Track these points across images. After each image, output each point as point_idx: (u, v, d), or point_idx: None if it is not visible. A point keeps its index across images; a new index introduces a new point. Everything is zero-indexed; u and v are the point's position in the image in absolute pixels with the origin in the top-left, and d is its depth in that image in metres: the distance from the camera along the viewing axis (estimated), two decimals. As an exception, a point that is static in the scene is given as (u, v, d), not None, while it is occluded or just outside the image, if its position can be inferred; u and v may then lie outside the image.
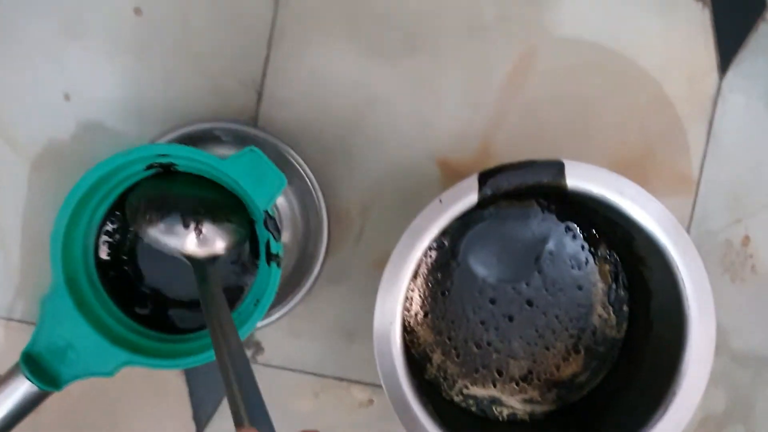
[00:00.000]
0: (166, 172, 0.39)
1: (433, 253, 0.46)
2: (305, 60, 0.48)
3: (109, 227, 0.40)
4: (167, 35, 0.47)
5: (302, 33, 0.48)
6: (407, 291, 0.39)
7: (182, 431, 0.48)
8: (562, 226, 0.47)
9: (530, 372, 0.47)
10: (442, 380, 0.47)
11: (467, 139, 0.48)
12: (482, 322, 0.48)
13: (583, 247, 0.47)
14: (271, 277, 0.36)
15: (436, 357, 0.47)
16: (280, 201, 0.47)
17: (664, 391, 0.39)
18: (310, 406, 0.49)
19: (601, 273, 0.47)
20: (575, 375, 0.47)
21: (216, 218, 0.38)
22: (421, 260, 0.39)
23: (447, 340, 0.47)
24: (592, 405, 0.46)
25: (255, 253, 0.41)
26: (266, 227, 0.36)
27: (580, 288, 0.47)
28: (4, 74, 0.47)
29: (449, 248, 0.46)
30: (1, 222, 0.48)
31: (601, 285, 0.47)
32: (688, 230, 0.48)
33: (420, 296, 0.47)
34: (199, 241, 0.38)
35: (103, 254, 0.40)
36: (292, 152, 0.44)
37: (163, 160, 0.38)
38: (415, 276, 0.45)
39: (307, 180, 0.44)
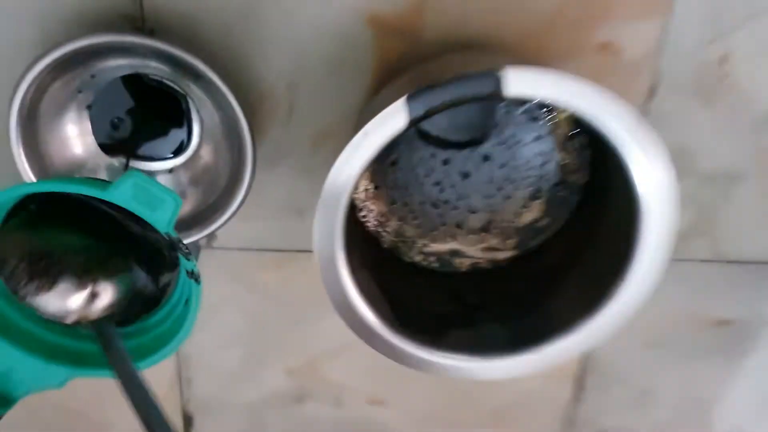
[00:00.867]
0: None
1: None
2: None
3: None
4: None
5: None
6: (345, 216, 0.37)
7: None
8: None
9: (490, 222, 0.46)
10: (400, 244, 0.47)
11: (398, -12, 0.40)
12: (437, 183, 0.45)
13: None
14: (193, 292, 0.34)
15: (392, 224, 0.46)
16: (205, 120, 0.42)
17: (616, 272, 0.39)
18: (274, 277, 0.49)
19: (561, 119, 0.43)
20: (536, 220, 0.46)
21: (109, 270, 0.34)
22: (351, 192, 0.36)
23: (402, 207, 0.46)
24: (553, 255, 0.46)
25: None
26: (174, 248, 0.32)
27: (539, 137, 0.44)
28: None
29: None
30: None
31: (560, 131, 0.44)
32: (659, 55, 0.43)
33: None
34: (94, 302, 0.34)
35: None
36: (188, 58, 0.37)
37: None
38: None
39: (212, 78, 0.38)
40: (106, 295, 0.35)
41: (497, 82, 0.33)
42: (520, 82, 0.33)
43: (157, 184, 0.31)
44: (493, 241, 0.47)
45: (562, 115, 0.43)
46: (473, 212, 0.46)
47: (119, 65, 0.40)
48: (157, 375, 0.54)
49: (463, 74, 0.33)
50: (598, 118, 0.34)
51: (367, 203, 0.45)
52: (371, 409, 0.56)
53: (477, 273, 0.47)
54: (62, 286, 0.34)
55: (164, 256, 0.38)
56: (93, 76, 0.40)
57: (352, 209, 0.43)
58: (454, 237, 0.47)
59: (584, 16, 0.41)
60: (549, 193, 0.45)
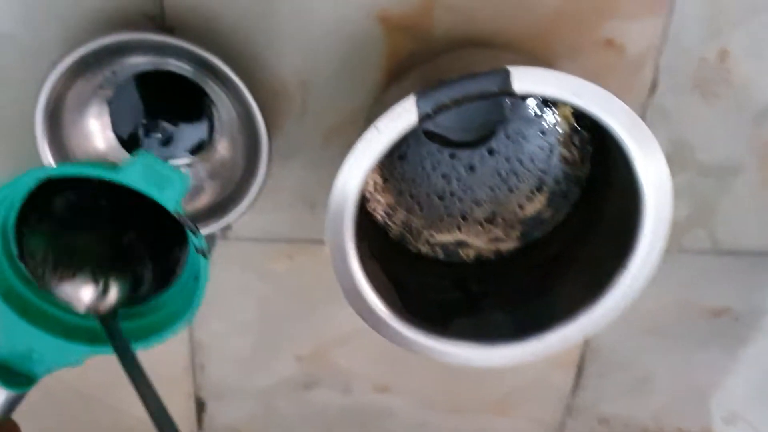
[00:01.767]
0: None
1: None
2: None
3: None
4: None
5: None
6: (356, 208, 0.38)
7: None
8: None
9: (494, 213, 0.48)
10: (407, 234, 0.48)
11: (408, -13, 0.41)
12: (443, 176, 0.47)
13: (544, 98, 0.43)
14: (201, 268, 0.35)
15: (399, 215, 0.48)
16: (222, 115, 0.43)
17: (616, 261, 0.40)
18: (285, 267, 0.51)
19: (564, 116, 0.45)
20: (539, 212, 0.48)
21: (119, 268, 0.36)
22: (362, 185, 0.37)
23: (409, 198, 0.47)
24: (555, 245, 0.47)
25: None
26: (183, 225, 0.34)
27: (543, 132, 0.45)
28: None
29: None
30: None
31: (564, 126, 0.45)
32: (660, 52, 0.44)
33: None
34: (104, 297, 0.35)
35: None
36: (206, 55, 0.38)
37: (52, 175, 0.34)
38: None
39: (229, 74, 0.39)
40: (115, 291, 0.36)
41: (505, 80, 0.34)
42: (527, 80, 0.34)
43: (165, 163, 0.33)
44: (498, 232, 0.48)
45: (565, 111, 0.45)
46: (478, 204, 0.48)
47: (140, 62, 0.41)
48: (170, 360, 0.56)
49: (471, 72, 0.34)
50: (599, 115, 0.36)
51: (376, 195, 0.47)
52: (378, 396, 0.58)
53: (481, 263, 0.49)
54: (80, 278, 0.36)
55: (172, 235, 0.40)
56: (114, 73, 0.41)
57: (362, 201, 0.44)
58: (459, 228, 0.48)
59: (588, 14, 0.42)
60: (552, 186, 0.47)
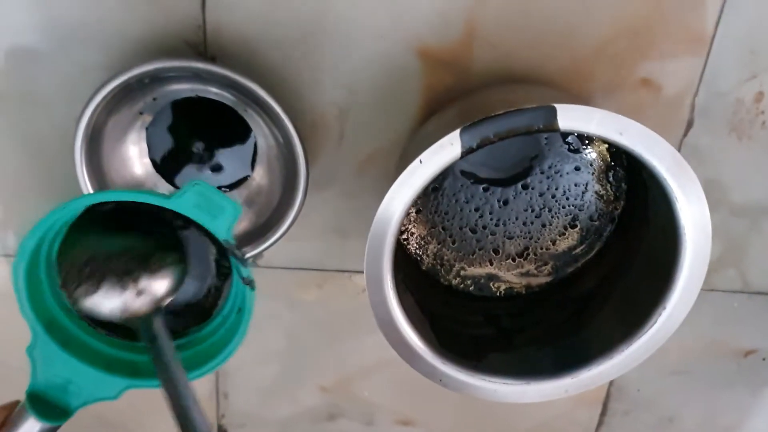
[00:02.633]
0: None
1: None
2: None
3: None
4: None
5: None
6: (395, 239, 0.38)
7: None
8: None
9: (526, 248, 0.48)
10: (439, 267, 0.48)
11: (449, 22, 0.42)
12: (476, 209, 0.47)
13: (581, 135, 0.44)
14: (246, 299, 0.35)
15: (432, 247, 0.47)
16: (260, 143, 0.44)
17: (653, 300, 0.40)
18: (314, 296, 0.50)
19: (600, 153, 0.45)
20: (571, 248, 0.48)
21: (151, 267, 0.36)
22: (403, 216, 0.37)
23: (441, 230, 0.47)
24: (588, 281, 0.47)
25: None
26: (231, 255, 0.34)
27: (577, 169, 0.45)
28: None
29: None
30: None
31: (599, 164, 0.45)
32: (696, 92, 0.44)
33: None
34: (139, 299, 0.36)
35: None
36: (248, 83, 0.39)
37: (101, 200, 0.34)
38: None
39: (271, 104, 0.39)
40: (152, 290, 0.36)
41: (550, 116, 0.34)
42: (572, 117, 0.34)
43: (219, 192, 0.33)
44: (529, 267, 0.48)
45: (601, 148, 0.45)
46: (510, 238, 0.48)
47: (181, 89, 0.41)
48: (194, 387, 0.55)
49: (517, 107, 0.34)
50: (643, 155, 0.36)
51: (409, 226, 0.47)
52: (401, 429, 0.57)
53: (512, 297, 0.49)
54: (106, 288, 0.36)
55: (212, 267, 0.40)
56: (155, 99, 0.42)
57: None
58: (491, 262, 0.48)
59: (626, 53, 0.43)
60: (585, 222, 0.47)
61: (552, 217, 0.47)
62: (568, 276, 0.48)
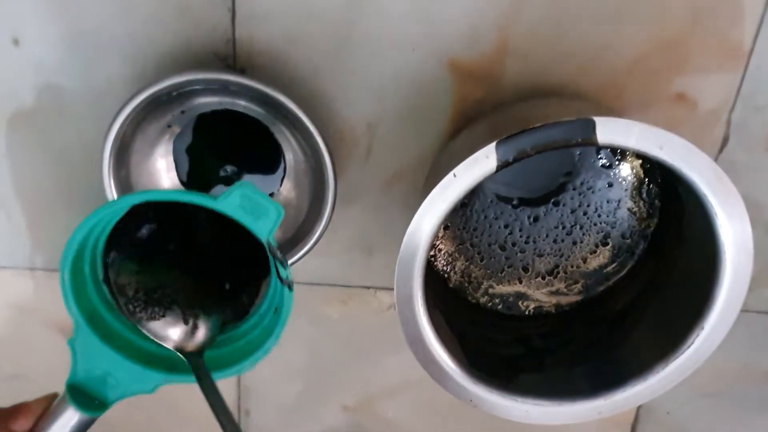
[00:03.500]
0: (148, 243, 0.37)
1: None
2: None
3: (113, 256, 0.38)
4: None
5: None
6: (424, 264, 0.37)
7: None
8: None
9: (556, 266, 0.47)
10: (466, 285, 0.47)
11: (481, 35, 0.41)
12: (506, 226, 0.46)
13: (614, 150, 0.43)
14: (284, 300, 0.35)
15: (459, 264, 0.47)
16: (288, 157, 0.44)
17: (690, 320, 0.39)
18: (339, 312, 0.50)
19: (634, 169, 0.44)
20: (602, 266, 0.47)
21: (208, 308, 0.37)
22: (435, 231, 0.36)
23: (470, 247, 0.46)
24: (620, 300, 0.46)
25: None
26: (272, 255, 0.34)
27: (610, 185, 0.44)
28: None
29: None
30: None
31: (632, 180, 0.44)
32: (732, 108, 0.43)
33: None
34: (193, 336, 0.36)
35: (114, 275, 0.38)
36: (278, 96, 0.38)
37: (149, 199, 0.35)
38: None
39: (301, 117, 0.39)
40: (204, 329, 0.37)
41: (589, 130, 0.33)
42: (611, 131, 0.34)
43: (264, 195, 0.33)
44: (559, 285, 0.47)
45: (635, 164, 0.44)
46: (540, 256, 0.47)
47: (210, 102, 0.41)
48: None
49: (555, 119, 0.34)
50: (683, 170, 0.35)
51: (437, 243, 0.46)
52: (424, 449, 0.56)
53: (541, 316, 0.48)
54: (170, 317, 0.37)
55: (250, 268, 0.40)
56: (183, 112, 0.41)
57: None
58: (519, 280, 0.47)
59: (661, 68, 0.42)
60: (618, 239, 0.46)
61: (583, 234, 0.46)
62: (599, 295, 0.47)
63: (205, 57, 0.42)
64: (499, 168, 0.35)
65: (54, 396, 0.37)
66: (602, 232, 0.46)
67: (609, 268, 0.47)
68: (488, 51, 0.42)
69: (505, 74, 0.42)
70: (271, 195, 0.45)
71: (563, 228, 0.46)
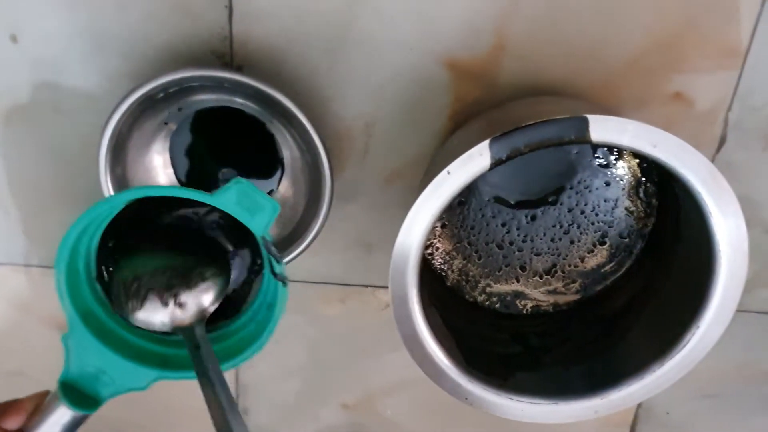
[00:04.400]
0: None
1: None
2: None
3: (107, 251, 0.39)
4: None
5: None
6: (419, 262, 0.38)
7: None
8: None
9: (554, 265, 0.47)
10: (464, 283, 0.47)
11: (478, 34, 0.41)
12: (503, 224, 0.46)
13: (611, 149, 0.43)
14: (278, 295, 0.35)
15: (457, 263, 0.47)
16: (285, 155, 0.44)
17: (686, 319, 0.39)
18: (337, 311, 0.50)
19: (630, 168, 0.44)
20: (600, 266, 0.47)
21: (191, 282, 0.37)
22: (430, 229, 0.36)
23: (467, 245, 0.46)
24: (617, 300, 0.46)
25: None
26: (266, 251, 0.34)
27: (607, 184, 0.44)
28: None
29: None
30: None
31: (629, 179, 0.44)
32: (730, 107, 0.43)
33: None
34: (182, 311, 0.37)
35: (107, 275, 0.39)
36: (275, 94, 0.38)
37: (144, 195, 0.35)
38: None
39: (298, 115, 0.39)
40: (193, 303, 0.38)
41: (582, 128, 0.33)
42: (605, 129, 0.34)
43: (259, 191, 0.34)
44: (557, 285, 0.47)
45: (632, 163, 0.44)
46: (538, 255, 0.47)
47: (206, 99, 0.41)
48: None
49: (548, 117, 0.34)
50: (678, 168, 0.35)
51: (434, 241, 0.46)
52: (422, 448, 0.56)
53: (539, 315, 0.48)
54: (149, 303, 0.37)
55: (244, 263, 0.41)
56: (180, 109, 0.41)
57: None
58: (517, 279, 0.47)
59: (658, 67, 0.42)
60: (615, 239, 0.46)
61: (581, 233, 0.46)
62: (596, 294, 0.47)
63: (203, 54, 0.42)
64: (493, 165, 0.35)
65: (46, 393, 0.37)
66: (600, 231, 0.46)
67: (607, 268, 0.47)
68: (485, 50, 0.42)
69: (502, 73, 0.42)
70: (269, 193, 0.45)
71: (561, 227, 0.46)
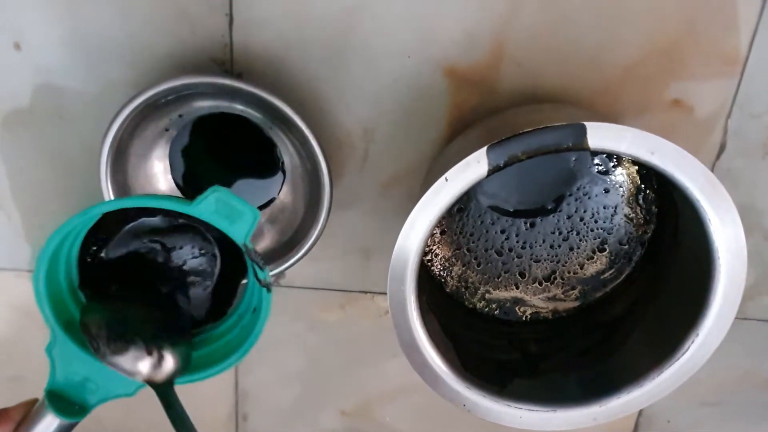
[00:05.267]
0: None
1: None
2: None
3: (88, 259, 0.38)
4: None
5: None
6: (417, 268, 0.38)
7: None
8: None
9: (554, 272, 0.47)
10: (463, 290, 0.47)
11: (477, 41, 0.41)
12: (502, 231, 0.46)
13: (610, 156, 0.43)
14: (263, 300, 0.35)
15: (456, 269, 0.47)
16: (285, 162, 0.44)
17: (686, 326, 0.39)
18: (337, 317, 0.50)
19: (630, 175, 0.44)
20: (599, 272, 0.47)
21: (171, 340, 0.37)
22: (428, 236, 0.37)
23: (466, 252, 0.46)
24: (616, 307, 0.46)
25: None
26: (249, 258, 0.34)
27: (607, 191, 0.44)
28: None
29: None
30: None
31: (629, 186, 0.44)
32: (729, 114, 0.43)
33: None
34: (159, 367, 0.36)
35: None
36: (275, 101, 0.38)
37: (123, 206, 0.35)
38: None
39: (297, 122, 0.39)
40: (170, 361, 0.37)
41: (580, 135, 0.33)
42: (602, 136, 0.34)
43: (238, 198, 0.33)
44: (556, 291, 0.47)
45: (631, 170, 0.44)
46: (537, 261, 0.47)
47: (207, 106, 0.41)
48: (214, 407, 0.54)
49: (546, 124, 0.34)
50: (676, 175, 0.35)
51: (434, 248, 0.46)
52: (422, 455, 0.56)
53: (538, 322, 0.48)
54: (133, 350, 0.36)
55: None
56: (181, 116, 0.42)
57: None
58: (516, 285, 0.47)
59: (657, 74, 0.42)
60: (614, 246, 0.46)
61: (580, 240, 0.46)
62: (596, 301, 0.47)
63: (203, 61, 0.42)
64: (491, 172, 0.35)
65: (34, 401, 0.37)
66: (599, 238, 0.46)
67: (606, 275, 0.47)
68: (483, 58, 0.42)
69: (500, 80, 0.42)
70: (272, 201, 0.45)
71: (560, 234, 0.46)
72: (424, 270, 0.46)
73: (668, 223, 0.43)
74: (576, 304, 0.47)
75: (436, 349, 0.39)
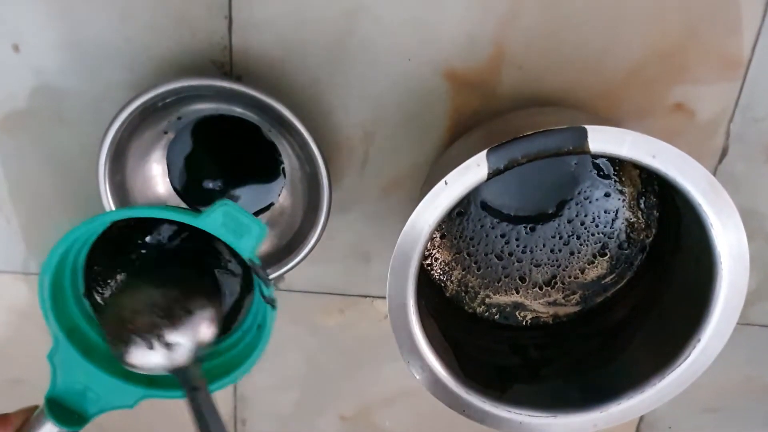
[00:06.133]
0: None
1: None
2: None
3: (96, 268, 0.38)
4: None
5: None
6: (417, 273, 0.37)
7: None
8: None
9: (554, 277, 0.47)
10: (463, 294, 0.47)
11: (477, 44, 0.41)
12: (503, 235, 0.46)
13: (611, 159, 0.43)
14: (267, 317, 0.35)
15: (456, 273, 0.46)
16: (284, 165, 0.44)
17: (687, 332, 0.38)
18: (336, 321, 0.50)
19: (631, 179, 0.44)
20: (600, 277, 0.46)
21: (175, 319, 0.35)
22: (427, 240, 0.36)
23: (466, 256, 0.46)
24: (617, 312, 0.46)
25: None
26: (255, 274, 0.34)
27: (608, 195, 0.44)
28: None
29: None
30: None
31: (630, 190, 0.44)
32: (731, 118, 0.43)
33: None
34: (172, 352, 0.35)
35: (98, 297, 0.39)
36: (274, 104, 0.38)
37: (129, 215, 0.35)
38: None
39: (297, 125, 0.39)
40: (183, 341, 0.35)
41: (581, 138, 0.33)
42: (603, 139, 0.33)
43: (246, 212, 0.33)
44: (557, 296, 0.47)
45: (632, 174, 0.44)
46: (537, 266, 0.46)
47: (206, 109, 0.41)
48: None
49: (546, 128, 0.33)
50: (677, 179, 0.35)
51: (434, 252, 0.46)
52: (422, 461, 0.56)
53: (539, 327, 0.47)
54: (134, 348, 0.35)
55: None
56: (179, 118, 0.42)
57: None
58: (516, 290, 0.47)
59: (659, 78, 0.42)
60: (615, 250, 0.45)
61: (581, 245, 0.46)
62: (597, 306, 0.47)
63: (202, 64, 0.42)
64: (491, 176, 0.35)
65: (34, 408, 0.37)
66: (600, 242, 0.45)
67: (607, 279, 0.46)
68: (484, 61, 0.42)
69: (501, 84, 0.42)
70: (271, 205, 0.45)
71: (560, 238, 0.45)
72: (423, 274, 0.45)
73: (670, 228, 0.43)
74: (577, 309, 0.47)
75: (436, 353, 0.39)
